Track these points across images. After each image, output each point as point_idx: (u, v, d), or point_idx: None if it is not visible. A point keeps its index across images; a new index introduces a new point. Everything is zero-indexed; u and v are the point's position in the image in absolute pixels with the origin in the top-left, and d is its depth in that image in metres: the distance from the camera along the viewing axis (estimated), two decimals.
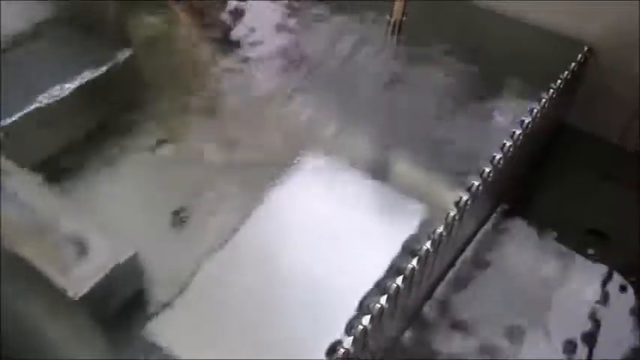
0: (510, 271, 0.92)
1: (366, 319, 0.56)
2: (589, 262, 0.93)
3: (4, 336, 0.56)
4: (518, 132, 0.76)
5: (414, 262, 0.59)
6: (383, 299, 0.56)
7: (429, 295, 0.83)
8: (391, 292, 0.56)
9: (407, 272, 0.57)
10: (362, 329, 0.56)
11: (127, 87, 0.89)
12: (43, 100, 0.81)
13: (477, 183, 0.68)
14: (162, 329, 0.58)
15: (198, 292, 0.62)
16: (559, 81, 0.85)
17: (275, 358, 0.56)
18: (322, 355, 0.55)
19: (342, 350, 0.54)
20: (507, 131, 0.78)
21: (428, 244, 0.61)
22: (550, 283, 0.91)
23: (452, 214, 0.64)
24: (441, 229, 0.62)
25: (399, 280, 0.58)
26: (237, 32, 0.97)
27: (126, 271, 0.61)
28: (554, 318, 0.86)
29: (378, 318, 0.57)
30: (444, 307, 0.84)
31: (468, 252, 0.90)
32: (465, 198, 0.66)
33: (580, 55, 0.91)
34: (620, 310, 0.88)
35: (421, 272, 0.63)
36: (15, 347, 0.55)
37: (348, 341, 0.56)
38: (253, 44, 0.95)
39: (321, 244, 0.66)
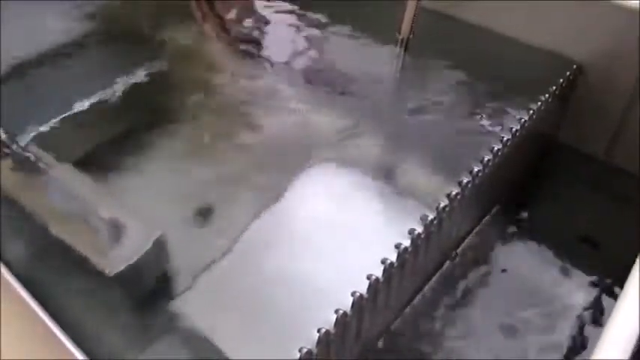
0: (502, 274, 0.98)
1: (362, 288, 0.62)
2: (580, 268, 1.00)
3: (51, 309, 0.63)
4: (506, 137, 0.84)
5: (407, 242, 0.65)
6: (379, 272, 0.63)
7: (418, 289, 0.89)
8: (386, 265, 0.62)
9: (400, 250, 0.64)
10: (358, 297, 0.62)
11: (157, 96, 0.98)
12: (83, 104, 0.90)
13: (466, 179, 0.76)
14: (185, 306, 0.66)
15: (218, 275, 0.70)
16: (547, 95, 0.92)
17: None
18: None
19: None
20: (499, 138, 0.85)
21: (420, 228, 0.67)
22: (541, 287, 0.97)
23: (442, 204, 0.71)
24: (432, 216, 0.69)
25: (394, 256, 0.64)
26: (260, 46, 1.07)
27: (155, 253, 0.69)
28: (544, 321, 0.92)
29: (373, 291, 0.64)
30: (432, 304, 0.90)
31: (459, 253, 0.97)
32: (455, 191, 0.73)
33: (569, 73, 0.98)
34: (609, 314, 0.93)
35: (414, 255, 0.70)
36: (61, 319, 0.62)
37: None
38: (274, 56, 1.04)
39: (327, 240, 0.73)
